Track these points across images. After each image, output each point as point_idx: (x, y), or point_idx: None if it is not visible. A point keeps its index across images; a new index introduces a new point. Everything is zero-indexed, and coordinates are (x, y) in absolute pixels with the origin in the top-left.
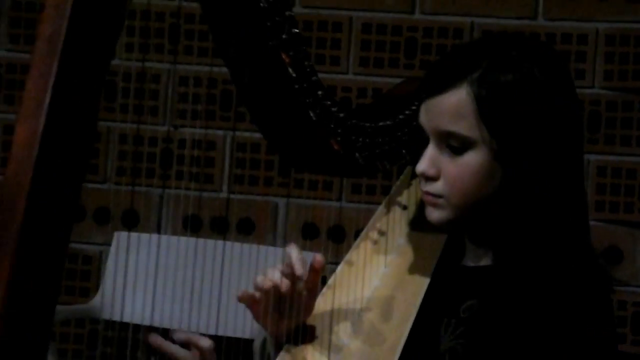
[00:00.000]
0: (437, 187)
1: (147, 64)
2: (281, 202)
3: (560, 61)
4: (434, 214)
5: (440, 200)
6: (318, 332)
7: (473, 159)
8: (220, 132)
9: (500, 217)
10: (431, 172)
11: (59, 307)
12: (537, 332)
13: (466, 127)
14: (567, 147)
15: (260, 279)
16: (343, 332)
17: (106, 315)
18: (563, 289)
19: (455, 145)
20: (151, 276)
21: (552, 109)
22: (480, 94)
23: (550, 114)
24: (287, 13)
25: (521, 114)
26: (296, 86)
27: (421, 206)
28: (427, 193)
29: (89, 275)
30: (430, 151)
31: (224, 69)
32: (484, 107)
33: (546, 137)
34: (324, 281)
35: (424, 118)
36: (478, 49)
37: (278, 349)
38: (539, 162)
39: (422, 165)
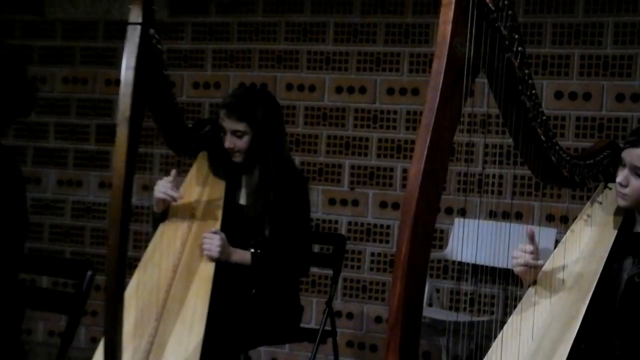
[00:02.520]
0: (626, 190)
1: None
2: (536, 204)
3: None
4: (622, 202)
5: (627, 197)
6: (555, 270)
7: None
8: (504, 171)
9: None
10: (624, 182)
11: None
12: None
13: None
14: None
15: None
16: (568, 266)
17: (453, 257)
18: None
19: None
20: (474, 239)
21: None
22: None
23: None
24: (540, 109)
25: None
26: (544, 145)
27: (609, 201)
28: (620, 192)
29: (442, 239)
30: (625, 172)
31: (510, 140)
32: None
33: None
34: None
35: (625, 155)
36: None
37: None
38: None
39: (619, 179)
